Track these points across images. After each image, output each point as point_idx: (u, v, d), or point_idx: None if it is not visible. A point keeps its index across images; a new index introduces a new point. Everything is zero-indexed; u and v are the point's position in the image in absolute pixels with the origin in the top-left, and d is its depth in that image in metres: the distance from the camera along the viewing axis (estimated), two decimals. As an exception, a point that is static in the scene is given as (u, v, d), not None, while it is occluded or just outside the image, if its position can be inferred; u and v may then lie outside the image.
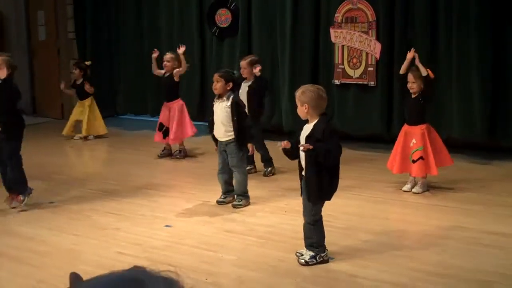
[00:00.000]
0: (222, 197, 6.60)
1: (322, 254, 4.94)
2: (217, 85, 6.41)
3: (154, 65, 9.00)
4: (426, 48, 8.34)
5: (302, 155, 4.91)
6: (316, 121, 4.88)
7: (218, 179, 6.61)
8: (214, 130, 6.50)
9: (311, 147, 4.73)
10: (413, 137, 6.80)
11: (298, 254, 5.05)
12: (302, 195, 5.06)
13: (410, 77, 6.78)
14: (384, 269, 4.80)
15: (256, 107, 7.57)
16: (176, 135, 8.77)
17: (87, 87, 10.24)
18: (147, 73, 9.07)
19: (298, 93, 4.95)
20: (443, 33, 8.26)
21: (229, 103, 6.36)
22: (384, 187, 7.07)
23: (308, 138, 4.85)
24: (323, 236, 4.99)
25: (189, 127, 8.88)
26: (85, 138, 10.39)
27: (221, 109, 6.40)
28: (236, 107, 6.36)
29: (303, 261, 4.91)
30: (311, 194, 4.88)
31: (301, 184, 5.06)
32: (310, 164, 4.83)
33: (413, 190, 6.86)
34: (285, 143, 4.97)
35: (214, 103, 6.53)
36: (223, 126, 6.40)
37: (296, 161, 5.07)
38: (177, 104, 8.81)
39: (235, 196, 6.54)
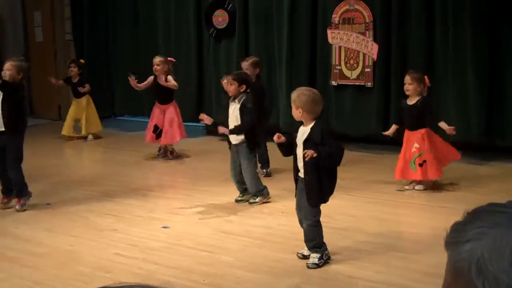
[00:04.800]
0: (240, 195, 6.70)
1: (326, 252, 4.98)
2: (231, 87, 6.46)
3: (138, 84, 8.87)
4: (422, 49, 8.36)
5: (299, 157, 4.92)
6: (312, 124, 4.89)
7: (232, 179, 6.69)
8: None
9: (315, 155, 4.71)
10: (414, 142, 6.84)
11: (299, 255, 5.06)
12: (296, 196, 5.06)
13: (407, 78, 6.82)
14: (381, 270, 4.80)
15: (261, 109, 7.63)
16: (170, 136, 8.77)
17: (82, 89, 10.30)
18: (144, 75, 9.06)
19: (293, 96, 4.97)
20: (440, 34, 8.27)
21: (238, 106, 6.42)
22: (381, 188, 7.08)
23: (306, 142, 4.84)
24: (323, 235, 5.01)
25: (183, 130, 8.91)
26: (85, 138, 10.42)
27: (233, 111, 6.46)
28: (243, 109, 6.40)
29: (313, 264, 4.89)
30: (311, 197, 4.88)
31: (296, 186, 5.07)
32: (310, 167, 4.83)
33: (416, 187, 6.90)
34: (276, 137, 5.05)
35: (229, 104, 6.56)
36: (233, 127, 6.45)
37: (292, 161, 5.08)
38: (173, 107, 8.82)
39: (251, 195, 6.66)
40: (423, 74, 6.95)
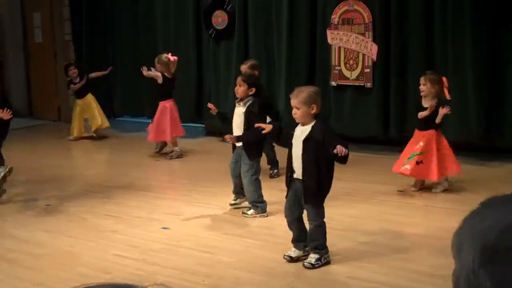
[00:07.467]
0: (234, 199, 6.48)
1: (326, 255, 4.95)
2: (240, 89, 6.23)
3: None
4: (421, 50, 8.36)
5: (296, 157, 4.89)
6: (313, 123, 4.87)
7: (230, 172, 6.44)
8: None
9: (345, 151, 4.61)
10: (420, 140, 6.84)
11: (286, 257, 5.02)
12: (288, 198, 5.04)
13: (422, 79, 6.81)
14: (381, 271, 4.80)
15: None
16: (154, 134, 8.97)
17: (73, 87, 10.32)
18: (144, 76, 9.07)
19: (302, 96, 4.85)
20: (439, 34, 8.27)
21: (244, 110, 6.21)
22: (381, 188, 7.07)
23: (306, 141, 4.82)
24: (326, 237, 4.99)
25: (176, 129, 8.92)
26: (92, 138, 10.44)
27: (238, 114, 6.26)
28: (248, 116, 6.16)
29: (309, 264, 4.87)
30: (310, 196, 4.85)
31: (288, 187, 5.03)
32: (310, 167, 4.81)
33: (433, 189, 6.95)
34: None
35: (235, 106, 6.36)
36: (237, 130, 6.25)
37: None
38: (161, 105, 8.99)
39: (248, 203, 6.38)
40: (441, 76, 6.89)
